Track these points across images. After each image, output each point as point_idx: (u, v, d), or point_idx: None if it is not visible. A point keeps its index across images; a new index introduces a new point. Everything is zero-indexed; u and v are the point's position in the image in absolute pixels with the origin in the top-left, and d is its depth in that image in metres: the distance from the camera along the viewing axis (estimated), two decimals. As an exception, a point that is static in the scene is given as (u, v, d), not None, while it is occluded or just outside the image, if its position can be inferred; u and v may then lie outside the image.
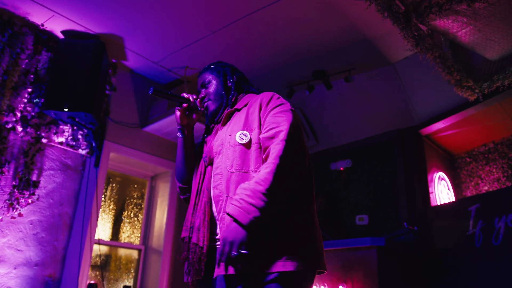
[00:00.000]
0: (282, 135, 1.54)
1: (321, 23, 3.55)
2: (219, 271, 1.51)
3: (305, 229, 1.54)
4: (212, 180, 1.68)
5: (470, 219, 3.40)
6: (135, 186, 4.65)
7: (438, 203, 4.39)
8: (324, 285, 3.01)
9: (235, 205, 1.46)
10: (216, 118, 1.85)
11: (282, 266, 1.43)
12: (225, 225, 1.52)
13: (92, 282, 3.64)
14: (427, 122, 4.37)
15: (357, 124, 4.72)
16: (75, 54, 3.53)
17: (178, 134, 1.86)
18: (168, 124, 4.19)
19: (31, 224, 3.39)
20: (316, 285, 3.04)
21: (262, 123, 1.66)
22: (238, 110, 1.78)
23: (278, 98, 1.72)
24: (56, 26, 3.60)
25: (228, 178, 1.60)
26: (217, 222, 1.63)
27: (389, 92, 4.39)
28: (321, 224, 3.36)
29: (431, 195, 4.34)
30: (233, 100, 1.83)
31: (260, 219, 1.42)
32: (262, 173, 1.48)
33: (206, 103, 1.85)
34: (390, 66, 4.18)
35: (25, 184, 3.37)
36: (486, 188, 4.71)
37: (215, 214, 1.65)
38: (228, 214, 1.47)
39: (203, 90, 1.88)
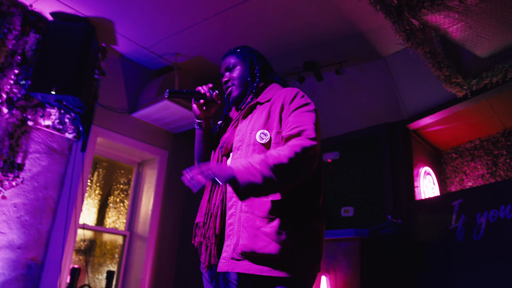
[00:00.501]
0: (309, 134, 1.52)
1: (313, 14, 3.54)
2: (225, 267, 1.51)
3: (315, 236, 1.57)
4: None
5: (453, 214, 3.45)
6: (122, 172, 4.62)
7: (423, 197, 4.45)
8: (308, 275, 3.04)
9: (241, 163, 1.42)
10: (240, 106, 1.80)
11: (295, 271, 1.47)
12: (238, 221, 1.54)
13: (75, 266, 3.63)
14: (415, 117, 4.41)
15: (346, 116, 4.74)
16: (64, 36, 3.47)
17: (196, 127, 1.80)
18: (157, 110, 4.16)
19: (14, 207, 3.36)
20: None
21: (282, 121, 1.63)
22: (261, 104, 1.73)
23: (302, 96, 1.68)
24: (45, 7, 3.53)
25: None
26: (227, 215, 1.60)
27: (379, 86, 4.41)
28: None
29: (416, 189, 4.39)
30: (257, 89, 1.78)
31: (254, 185, 1.38)
32: (280, 154, 1.43)
33: (230, 88, 1.80)
34: (381, 60, 4.19)
35: (10, 166, 3.33)
36: (470, 184, 4.78)
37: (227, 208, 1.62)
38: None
39: (227, 73, 1.83)
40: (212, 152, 1.81)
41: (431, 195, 4.65)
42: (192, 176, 1.37)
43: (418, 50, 3.27)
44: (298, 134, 1.53)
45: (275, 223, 1.49)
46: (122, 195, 4.55)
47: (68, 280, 3.48)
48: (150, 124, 4.48)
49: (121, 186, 4.57)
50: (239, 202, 1.55)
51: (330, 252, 3.06)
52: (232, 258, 1.50)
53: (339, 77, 4.31)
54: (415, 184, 4.41)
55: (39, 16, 3.61)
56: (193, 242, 1.69)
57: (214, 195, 1.66)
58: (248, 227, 1.50)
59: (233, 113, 1.85)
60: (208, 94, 1.74)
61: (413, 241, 3.63)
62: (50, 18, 3.63)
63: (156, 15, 3.61)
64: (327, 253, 3.06)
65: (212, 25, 3.69)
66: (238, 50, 1.85)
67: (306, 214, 1.56)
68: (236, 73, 1.80)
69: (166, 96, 1.63)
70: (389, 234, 3.39)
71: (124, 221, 4.48)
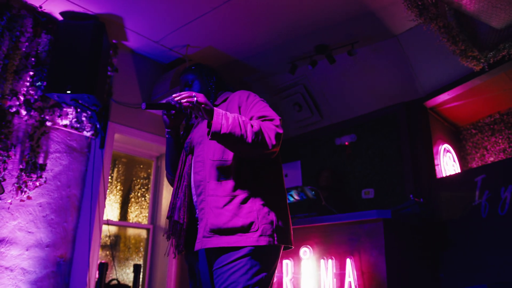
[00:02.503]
0: (278, 123, 1.76)
1: (322, -4, 3.49)
2: (199, 246, 1.72)
3: (275, 210, 1.76)
4: (192, 166, 1.87)
5: (476, 190, 3.40)
6: (141, 166, 4.67)
7: (444, 175, 4.39)
8: (332, 258, 3.04)
9: (226, 112, 1.67)
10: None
11: (256, 241, 1.65)
12: (206, 204, 1.75)
13: (103, 261, 3.71)
14: (432, 94, 4.33)
15: (361, 98, 4.69)
16: (75, 35, 3.50)
17: (167, 136, 2.00)
18: (172, 103, 4.17)
19: (40, 206, 3.43)
20: (323, 258, 3.07)
21: (242, 113, 1.84)
22: (217, 105, 1.96)
23: (256, 95, 1.92)
24: (54, 7, 3.56)
25: (210, 165, 1.79)
26: (195, 204, 1.82)
27: (393, 65, 4.34)
28: (327, 199, 3.38)
29: (436, 167, 4.34)
30: (214, 97, 2.02)
31: (224, 133, 1.59)
32: (270, 127, 1.69)
33: None
34: (394, 38, 4.12)
35: (32, 167, 3.39)
36: (491, 159, 4.70)
37: (194, 197, 1.83)
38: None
39: (186, 89, 2.04)
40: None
41: (452, 172, 4.60)
42: (180, 96, 1.64)
43: (431, 26, 3.21)
44: (269, 120, 1.76)
45: (237, 200, 1.70)
46: (143, 189, 4.61)
47: (97, 275, 3.55)
48: (165, 118, 4.50)
49: (141, 180, 4.63)
50: (206, 189, 1.76)
51: (353, 234, 3.05)
52: (204, 237, 1.71)
53: (351, 58, 4.26)
54: (435, 162, 4.36)
55: (49, 16, 3.64)
56: (167, 233, 1.90)
57: (179, 190, 1.88)
58: (214, 208, 1.71)
59: (193, 121, 2.07)
60: (177, 105, 1.86)
61: (437, 219, 3.59)
62: (60, 18, 3.66)
63: (164, 8, 3.61)
64: (350, 235, 3.05)
65: (221, 14, 3.66)
66: (193, 67, 2.08)
67: (264, 192, 1.76)
68: (195, 87, 2.03)
69: (143, 108, 1.76)
70: (411, 213, 3.36)
71: (147, 214, 4.54)
